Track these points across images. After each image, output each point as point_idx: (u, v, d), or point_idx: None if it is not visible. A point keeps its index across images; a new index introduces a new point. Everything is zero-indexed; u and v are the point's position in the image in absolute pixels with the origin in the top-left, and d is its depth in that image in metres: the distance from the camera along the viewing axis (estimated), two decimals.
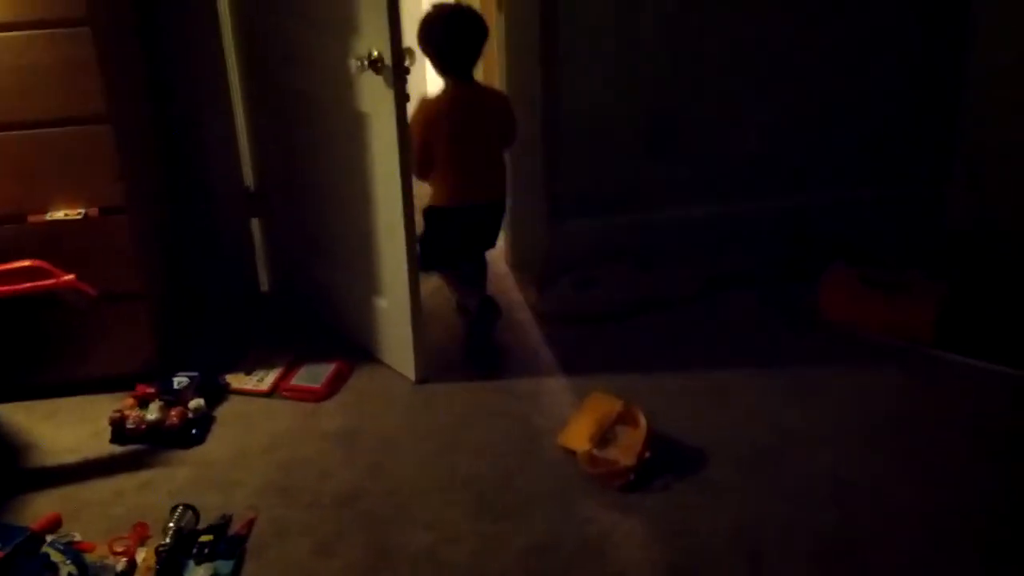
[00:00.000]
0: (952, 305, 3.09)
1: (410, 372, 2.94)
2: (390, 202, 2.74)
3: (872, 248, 3.53)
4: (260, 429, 2.75)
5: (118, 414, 2.71)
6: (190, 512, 2.34)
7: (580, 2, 3.33)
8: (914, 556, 2.23)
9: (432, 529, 2.34)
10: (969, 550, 2.24)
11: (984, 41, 3.55)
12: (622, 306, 3.31)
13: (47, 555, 2.21)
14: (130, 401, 2.77)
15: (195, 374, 2.87)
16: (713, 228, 3.70)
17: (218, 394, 2.89)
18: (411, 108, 2.70)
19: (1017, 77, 3.44)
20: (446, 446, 2.66)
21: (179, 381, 2.83)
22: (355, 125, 2.75)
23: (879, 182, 3.79)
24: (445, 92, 2.94)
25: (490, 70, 3.74)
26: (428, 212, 3.00)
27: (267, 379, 2.95)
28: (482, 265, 3.26)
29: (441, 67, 2.93)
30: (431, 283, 3.34)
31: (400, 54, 2.55)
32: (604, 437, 2.54)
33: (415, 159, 2.84)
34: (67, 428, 2.77)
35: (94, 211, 2.69)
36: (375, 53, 2.55)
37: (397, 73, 2.55)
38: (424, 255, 2.88)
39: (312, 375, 2.95)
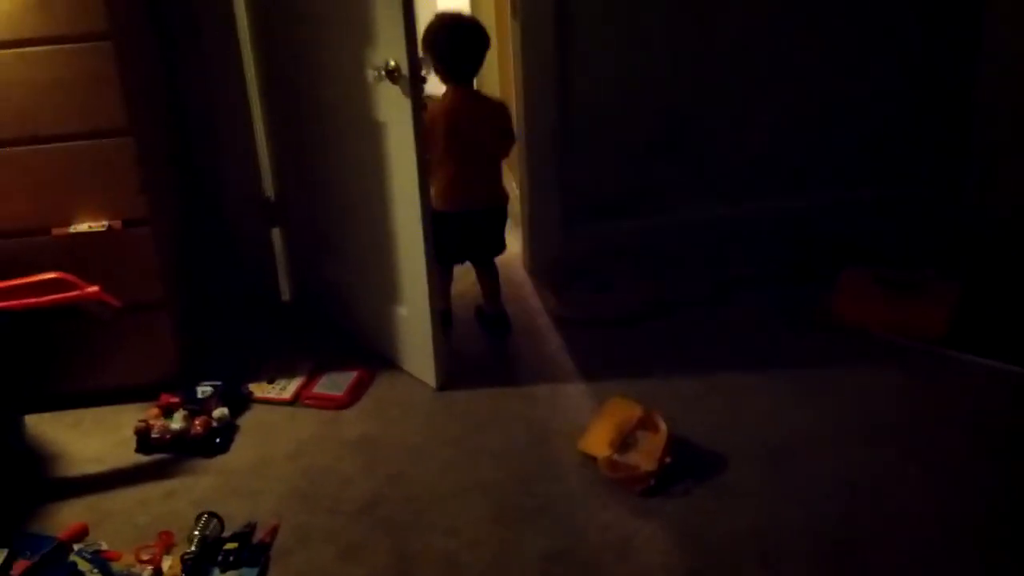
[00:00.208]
0: (965, 305, 3.09)
1: (430, 379, 2.95)
2: (408, 211, 2.75)
3: (877, 248, 3.53)
4: (283, 437, 2.78)
5: (143, 424, 2.74)
6: (215, 520, 2.36)
7: (591, 9, 3.35)
8: (928, 557, 2.22)
9: (453, 534, 2.36)
10: (986, 552, 2.24)
11: (996, 38, 3.54)
12: (636, 310, 3.33)
13: (74, 564, 2.24)
14: (155, 411, 2.80)
15: (218, 383, 2.89)
16: (723, 230, 3.72)
17: (241, 403, 2.91)
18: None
19: None
20: (466, 452, 2.67)
21: (203, 390, 2.85)
22: (372, 134, 2.77)
23: (882, 182, 3.79)
24: (445, 97, 3.00)
25: (505, 77, 3.77)
26: None
27: (289, 388, 2.97)
28: (493, 276, 3.28)
29: (442, 74, 2.99)
30: (452, 289, 3.38)
31: (417, 64, 2.57)
32: (624, 442, 2.54)
33: None
34: (92, 438, 2.80)
35: (117, 223, 2.72)
36: (392, 63, 2.57)
37: (414, 83, 2.57)
38: None
39: (334, 383, 2.98)
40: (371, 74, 2.63)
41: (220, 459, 2.69)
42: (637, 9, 3.40)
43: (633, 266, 3.60)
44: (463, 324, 3.34)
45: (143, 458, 2.71)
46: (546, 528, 2.36)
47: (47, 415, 2.88)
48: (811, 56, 3.59)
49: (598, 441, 2.57)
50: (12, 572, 2.19)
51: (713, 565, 2.23)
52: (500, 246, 3.24)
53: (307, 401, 2.93)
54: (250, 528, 2.38)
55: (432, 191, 2.97)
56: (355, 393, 2.94)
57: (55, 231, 2.71)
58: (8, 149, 2.63)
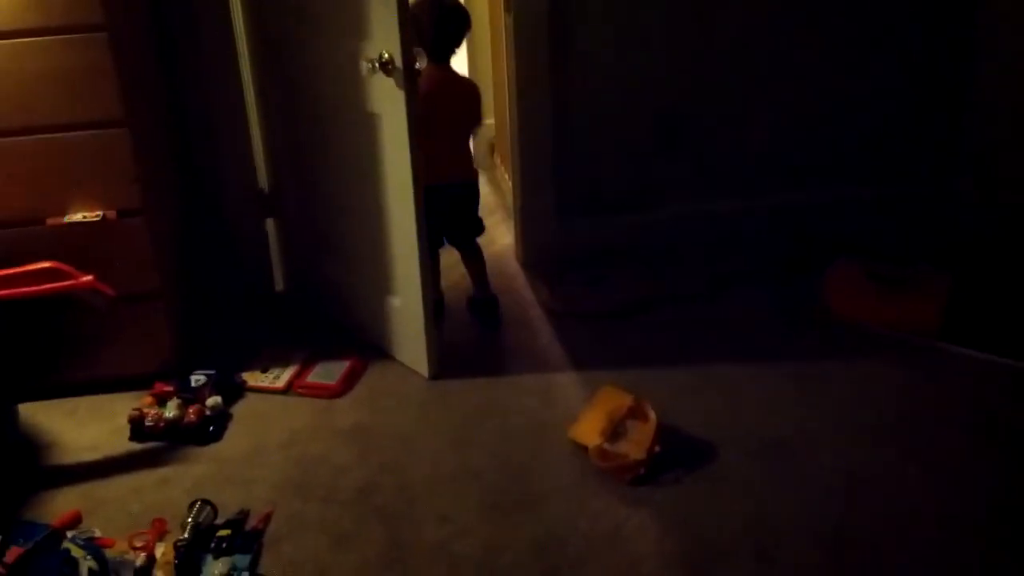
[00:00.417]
0: (958, 299, 3.11)
1: (423, 369, 2.97)
2: (401, 201, 2.77)
3: (874, 246, 3.54)
4: (276, 426, 2.79)
5: (137, 412, 2.75)
6: (208, 507, 2.37)
7: (590, 7, 3.37)
8: (922, 550, 2.24)
9: (445, 523, 2.37)
10: (985, 551, 2.25)
11: (991, 37, 3.56)
12: (630, 303, 3.34)
13: (67, 551, 2.24)
14: (149, 399, 2.82)
15: (212, 372, 2.90)
16: (721, 226, 3.73)
17: (235, 392, 2.93)
18: None
19: None
20: (459, 441, 2.69)
21: (197, 379, 2.87)
22: (366, 126, 2.79)
23: (881, 180, 3.81)
24: (423, 73, 3.02)
25: (498, 68, 3.78)
26: None
27: (283, 377, 2.99)
28: (479, 260, 3.34)
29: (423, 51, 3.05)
30: (442, 282, 3.39)
31: (411, 56, 2.58)
32: (615, 431, 2.56)
33: None
34: (87, 426, 2.82)
35: (112, 213, 2.73)
36: (386, 55, 2.58)
37: (407, 74, 2.58)
38: None
39: (327, 372, 2.99)
40: (365, 66, 2.64)
41: (213, 447, 2.71)
42: (637, 7, 3.41)
43: (629, 261, 3.62)
44: (455, 314, 3.36)
45: (137, 446, 2.73)
46: (537, 516, 2.38)
47: (42, 404, 2.89)
48: (811, 55, 3.60)
49: (589, 430, 2.59)
50: (6, 559, 2.20)
51: (703, 553, 2.25)
52: (477, 225, 3.31)
53: (300, 390, 2.94)
54: (243, 515, 2.40)
55: None
56: (348, 382, 2.96)
57: (50, 221, 2.71)
58: (2, 139, 2.64)
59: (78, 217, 2.72)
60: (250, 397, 2.93)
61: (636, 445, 2.51)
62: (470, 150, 3.29)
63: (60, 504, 2.48)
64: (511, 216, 3.79)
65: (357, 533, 2.36)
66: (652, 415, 2.57)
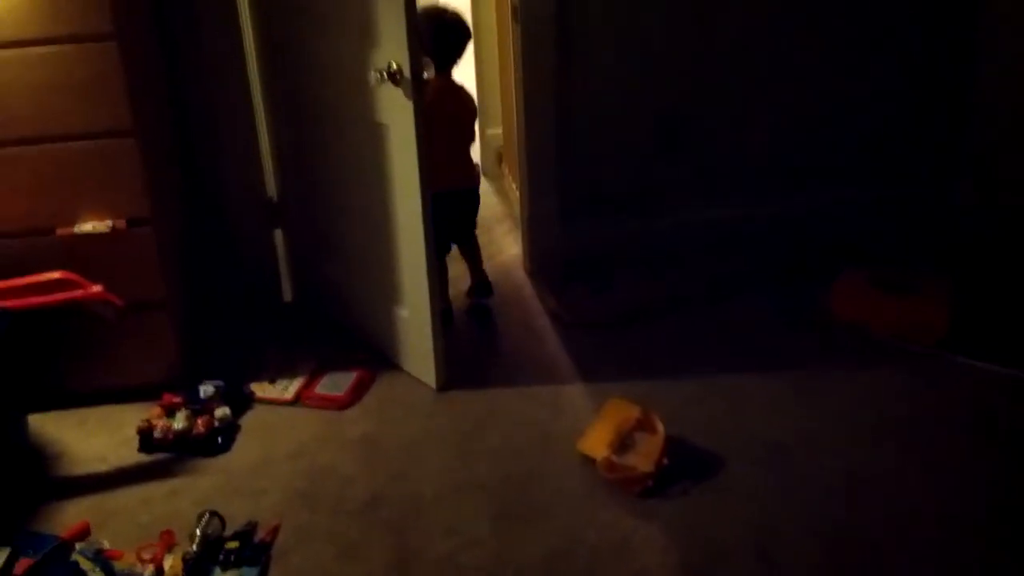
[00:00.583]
0: (962, 306, 3.10)
1: (431, 380, 2.97)
2: (409, 212, 2.77)
3: (876, 249, 3.55)
4: (284, 437, 2.79)
5: (146, 423, 2.76)
6: (216, 519, 2.37)
7: (592, 9, 3.37)
8: (922, 550, 2.24)
9: (453, 534, 2.37)
10: (985, 551, 2.25)
11: (992, 39, 3.56)
12: (635, 311, 3.34)
13: (76, 563, 2.25)
14: (157, 410, 2.82)
15: (220, 383, 2.91)
16: (722, 230, 3.73)
17: (243, 403, 2.93)
18: None
19: None
20: (467, 452, 2.69)
21: (205, 390, 2.87)
22: (374, 136, 2.79)
23: (882, 183, 3.81)
24: (429, 84, 3.11)
25: (506, 78, 3.78)
26: None
27: (291, 388, 2.99)
28: (474, 247, 3.46)
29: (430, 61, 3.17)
30: (450, 290, 3.39)
31: (419, 66, 2.59)
32: (623, 443, 2.56)
33: None
34: (96, 437, 2.82)
35: (121, 223, 2.74)
36: (394, 65, 2.59)
37: (416, 85, 2.58)
38: None
39: (335, 383, 2.99)
40: (373, 76, 2.64)
41: (222, 459, 2.71)
42: (637, 9, 3.42)
43: (633, 266, 3.62)
44: (463, 324, 3.36)
45: (145, 457, 2.73)
46: (545, 528, 2.38)
47: (51, 414, 2.90)
48: (811, 56, 3.60)
49: (597, 442, 2.59)
50: (15, 571, 2.20)
51: (711, 565, 2.24)
52: (475, 224, 3.46)
53: (308, 401, 2.94)
54: (251, 527, 2.40)
55: None
56: (356, 393, 2.96)
57: (59, 231, 2.72)
58: (12, 149, 2.65)
59: (88, 227, 2.72)
60: (258, 408, 2.93)
61: (644, 457, 2.50)
62: (471, 156, 3.34)
63: (69, 515, 2.48)
64: (519, 226, 3.79)
65: (365, 544, 2.35)
66: (660, 427, 2.57)
